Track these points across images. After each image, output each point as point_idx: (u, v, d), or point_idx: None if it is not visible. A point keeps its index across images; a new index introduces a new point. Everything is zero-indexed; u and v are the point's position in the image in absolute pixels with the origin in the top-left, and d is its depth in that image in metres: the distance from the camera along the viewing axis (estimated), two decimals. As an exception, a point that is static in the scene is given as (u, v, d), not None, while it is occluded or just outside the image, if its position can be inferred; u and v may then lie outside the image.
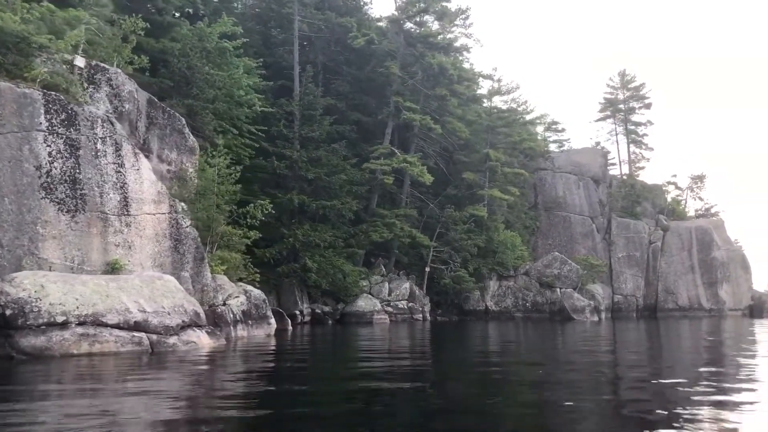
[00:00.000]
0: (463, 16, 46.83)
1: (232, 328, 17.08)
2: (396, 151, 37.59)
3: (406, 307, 37.32)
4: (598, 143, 64.46)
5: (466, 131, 40.54)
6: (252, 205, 23.29)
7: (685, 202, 59.77)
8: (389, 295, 37.27)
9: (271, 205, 24.33)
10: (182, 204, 19.69)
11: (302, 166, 33.47)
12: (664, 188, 58.63)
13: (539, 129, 69.44)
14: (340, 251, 34.33)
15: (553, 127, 71.41)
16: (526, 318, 40.85)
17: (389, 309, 36.49)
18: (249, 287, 19.49)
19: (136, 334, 12.45)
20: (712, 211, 62.70)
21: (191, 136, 20.98)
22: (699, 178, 59.40)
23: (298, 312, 32.47)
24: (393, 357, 13.26)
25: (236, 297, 18.11)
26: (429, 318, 38.54)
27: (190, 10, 36.72)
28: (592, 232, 51.37)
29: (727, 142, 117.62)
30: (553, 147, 63.41)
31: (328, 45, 42.02)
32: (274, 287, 33.15)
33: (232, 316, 17.32)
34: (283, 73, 39.39)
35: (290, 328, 23.85)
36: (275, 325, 19.77)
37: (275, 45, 41.19)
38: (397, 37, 39.69)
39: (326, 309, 34.40)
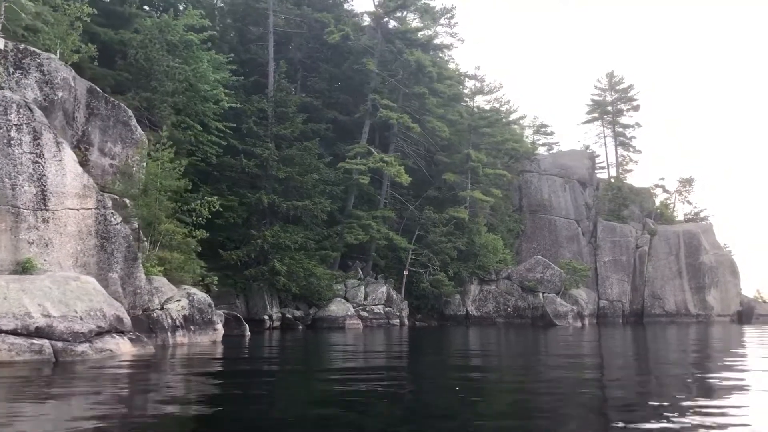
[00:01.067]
0: (448, 15, 45.90)
1: (169, 334, 15.76)
2: (373, 150, 36.36)
3: (382, 311, 36.04)
4: (587, 147, 63.44)
5: (447, 131, 39.35)
6: (198, 201, 21.99)
7: (674, 206, 58.68)
8: (365, 299, 36.00)
9: (219, 202, 22.96)
10: (126, 200, 18.42)
11: (273, 165, 32.22)
12: (652, 191, 57.52)
13: (528, 132, 68.61)
14: (312, 254, 33.06)
15: (542, 129, 70.58)
16: (508, 323, 39.60)
17: (364, 314, 35.22)
18: (194, 290, 18.16)
19: (36, 341, 11.14)
20: (702, 215, 61.68)
21: (139, 129, 19.68)
22: (687, 182, 58.33)
23: (266, 317, 31.20)
24: (347, 375, 11.63)
25: (177, 301, 16.79)
26: (407, 323, 37.28)
27: (162, 3, 35.60)
28: (578, 235, 50.20)
29: (717, 145, 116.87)
30: (542, 150, 62.42)
31: (306, 42, 40.84)
32: (242, 291, 31.91)
33: (170, 321, 16.01)
34: (258, 70, 38.22)
35: (248, 334, 22.52)
36: (222, 331, 18.45)
37: (251, 41, 40.04)
38: (375, 33, 38.54)
39: (298, 314, 33.08)
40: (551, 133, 69.80)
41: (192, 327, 16.91)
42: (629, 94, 60.65)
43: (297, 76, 40.23)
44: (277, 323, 31.85)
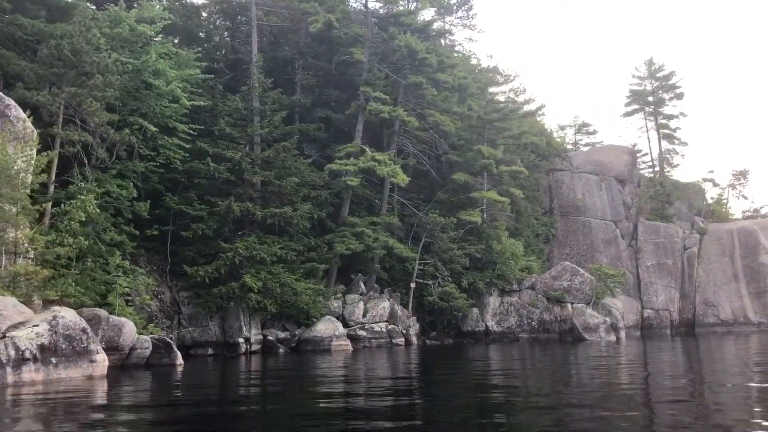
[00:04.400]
0: (466, 6, 42.21)
1: (9, 370, 12.22)
2: (366, 149, 32.49)
3: (384, 330, 31.95)
4: (634, 145, 57.87)
5: (452, 125, 35.17)
6: (72, 202, 18.50)
7: (727, 202, 52.64)
8: (364, 316, 31.99)
9: (96, 202, 19.38)
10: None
11: (247, 169, 28.72)
12: (700, 186, 51.66)
13: (569, 132, 63.67)
14: (295, 267, 29.31)
15: (584, 129, 65.57)
16: (533, 339, 34.94)
17: (362, 333, 31.23)
18: (63, 312, 14.60)
19: None
20: (762, 212, 55.49)
21: (23, 123, 16.41)
22: (742, 174, 52.40)
23: (241, 340, 27.55)
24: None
25: (31, 327, 13.26)
26: (415, 342, 33.05)
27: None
28: (616, 238, 45.02)
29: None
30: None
31: (296, 37, 37.45)
32: (217, 312, 28.38)
33: (14, 353, 12.46)
34: (244, 69, 35.04)
35: (180, 363, 18.90)
36: (104, 363, 14.83)
37: (241, 42, 37.04)
38: (366, 20, 34.78)
39: (282, 336, 29.31)
40: (594, 132, 64.76)
41: (54, 360, 13.34)
42: (671, 82, 55.18)
43: (286, 74, 36.85)
44: (257, 347, 28.19)
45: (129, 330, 18.56)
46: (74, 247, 17.30)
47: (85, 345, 14.32)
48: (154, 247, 28.81)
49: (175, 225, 28.14)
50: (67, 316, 14.38)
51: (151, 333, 25.12)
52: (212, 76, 30.81)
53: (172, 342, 19.74)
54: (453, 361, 23.23)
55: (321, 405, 10.89)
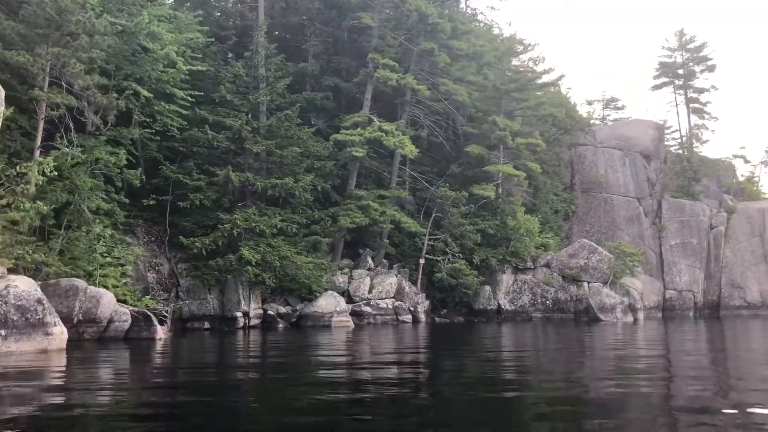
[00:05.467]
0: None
1: (-50, 343, 11.40)
2: (375, 119, 31.19)
3: (390, 306, 30.92)
4: (664, 121, 55.53)
5: (465, 94, 33.64)
6: (27, 165, 17.55)
7: (759, 180, 50.30)
8: (369, 292, 30.96)
9: (54, 164, 18.36)
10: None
11: (247, 137, 27.67)
12: (730, 163, 49.40)
13: (597, 107, 61.51)
14: (297, 240, 28.34)
15: (612, 104, 63.32)
16: (546, 319, 33.63)
17: (367, 309, 30.23)
18: (17, 282, 13.74)
19: None
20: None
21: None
22: (775, 151, 49.82)
23: (239, 314, 26.73)
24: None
25: (-22, 296, 12.41)
26: (423, 319, 31.96)
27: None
28: (639, 215, 43.25)
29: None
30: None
31: (307, 2, 36.11)
32: (216, 285, 27.55)
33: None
34: (251, 35, 33.85)
35: (160, 337, 18.07)
36: (63, 336, 13.97)
37: (244, 2, 35.86)
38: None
39: (283, 310, 28.42)
40: (622, 107, 62.46)
41: (3, 332, 12.49)
42: (702, 53, 52.58)
43: (297, 41, 35.62)
44: (256, 321, 27.37)
45: (107, 301, 17.77)
46: (32, 213, 16.40)
47: (41, 317, 13.49)
48: (152, 217, 28.05)
49: (174, 195, 27.33)
50: (21, 285, 13.55)
51: (146, 305, 24.48)
52: (212, 40, 29.67)
53: (151, 314, 18.88)
54: (458, 339, 22.16)
55: (298, 389, 9.84)
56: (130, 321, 18.10)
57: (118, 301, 23.21)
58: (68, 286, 17.43)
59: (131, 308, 18.76)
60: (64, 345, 13.85)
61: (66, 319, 17.37)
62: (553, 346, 18.21)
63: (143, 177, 28.23)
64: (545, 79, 36.65)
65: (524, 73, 36.05)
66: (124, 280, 24.86)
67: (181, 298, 27.17)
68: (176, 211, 27.55)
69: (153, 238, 28.11)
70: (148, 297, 25.40)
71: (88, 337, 17.49)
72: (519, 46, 37.24)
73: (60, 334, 13.90)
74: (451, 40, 33.39)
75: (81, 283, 17.55)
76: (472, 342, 20.69)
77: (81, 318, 17.29)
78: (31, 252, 16.23)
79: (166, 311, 25.85)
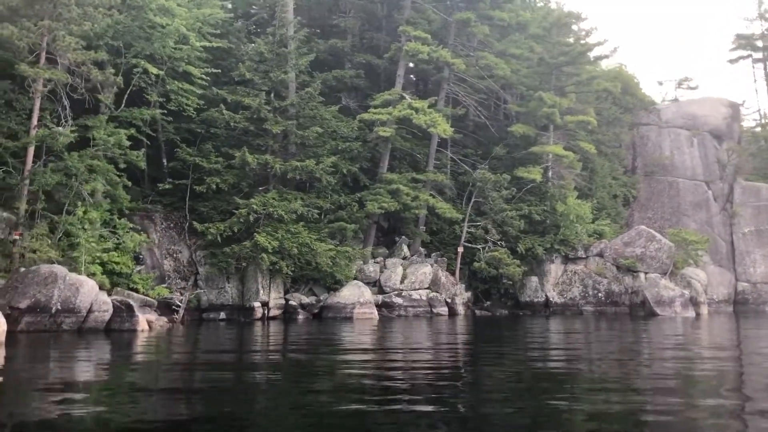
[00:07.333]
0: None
1: None
2: (406, 96, 29.05)
3: (423, 298, 28.84)
4: (744, 101, 51.02)
5: (506, 68, 31.00)
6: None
7: None
8: (401, 282, 28.96)
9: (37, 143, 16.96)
10: None
11: (267, 117, 26.07)
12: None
13: (669, 87, 57.49)
14: (321, 227, 26.61)
15: (684, 83, 58.90)
16: (598, 312, 30.77)
17: (398, 300, 28.25)
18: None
19: None
20: None
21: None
22: None
23: (257, 304, 25.22)
24: None
25: None
26: (461, 312, 29.72)
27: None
28: (707, 200, 39.45)
29: None
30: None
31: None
32: (236, 273, 26.16)
33: None
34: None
35: (143, 329, 16.64)
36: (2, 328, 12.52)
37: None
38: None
39: (306, 301, 26.80)
40: (695, 87, 57.92)
41: None
42: (784, 22, 47.70)
43: (332, 18, 33.83)
44: (276, 312, 25.84)
45: (88, 290, 16.46)
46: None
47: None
48: (172, 202, 26.94)
49: (192, 180, 26.08)
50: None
51: (159, 294, 23.34)
52: (231, 15, 28.18)
53: (133, 304, 17.45)
54: (495, 335, 19.94)
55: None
56: (111, 311, 16.75)
57: (129, 289, 22.23)
58: (47, 273, 16.24)
59: (114, 297, 17.42)
60: (2, 338, 12.52)
61: (44, 309, 16.26)
62: (605, 347, 15.70)
63: (164, 161, 27.31)
64: (598, 51, 33.50)
65: (575, 45, 32.99)
66: (138, 268, 23.85)
67: (199, 287, 25.96)
68: (196, 195, 26.32)
69: (172, 225, 26.98)
70: (163, 285, 24.32)
71: (66, 328, 16.24)
72: (571, 20, 34.06)
73: (-5, 323, 12.59)
74: (493, 11, 30.80)
75: (61, 269, 16.33)
76: (507, 339, 18.38)
77: (59, 307, 16.07)
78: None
79: (180, 300, 24.75)
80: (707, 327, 23.67)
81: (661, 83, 74.47)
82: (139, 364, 11.92)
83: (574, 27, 34.10)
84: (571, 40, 34.20)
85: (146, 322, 17.30)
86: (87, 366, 11.21)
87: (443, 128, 27.83)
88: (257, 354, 13.99)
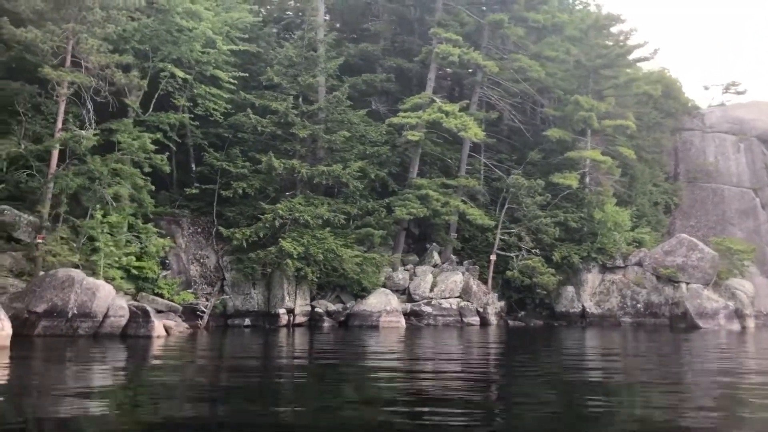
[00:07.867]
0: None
1: None
2: (435, 99, 28.41)
3: (454, 307, 28.06)
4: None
5: (541, 70, 30.12)
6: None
7: None
8: (431, 290, 28.25)
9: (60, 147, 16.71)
10: None
11: (295, 122, 25.73)
12: None
13: (716, 92, 55.67)
14: (348, 233, 26.10)
15: (733, 88, 56.97)
16: (637, 324, 29.57)
17: (427, 309, 27.54)
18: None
19: None
20: None
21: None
22: None
23: (282, 311, 24.81)
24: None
25: None
26: (493, 322, 28.84)
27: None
28: (755, 208, 37.83)
29: None
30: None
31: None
32: (262, 279, 25.82)
33: None
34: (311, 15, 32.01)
35: (158, 335, 16.27)
36: (4, 333, 12.24)
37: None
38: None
39: (332, 308, 26.30)
40: (743, 92, 55.92)
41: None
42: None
43: (364, 22, 33.46)
44: (302, 319, 25.40)
45: (104, 295, 16.23)
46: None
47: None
48: (200, 207, 26.79)
49: (220, 185, 25.88)
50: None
51: (184, 299, 23.15)
52: (260, 19, 28.00)
53: (150, 310, 17.15)
54: (528, 347, 19.13)
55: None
56: (127, 316, 16.49)
57: (155, 294, 22.07)
58: (65, 277, 16.07)
59: (131, 303, 17.18)
60: (7, 343, 12.26)
61: (61, 313, 16.07)
62: (644, 363, 14.72)
63: (192, 165, 27.19)
64: (638, 54, 32.33)
65: (613, 47, 31.93)
66: (164, 273, 23.70)
67: (225, 293, 25.69)
68: (224, 201, 26.12)
69: (199, 229, 26.79)
70: (189, 291, 24.12)
71: (82, 333, 16.04)
72: (609, 21, 32.93)
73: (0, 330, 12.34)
74: (528, 12, 29.99)
75: (78, 273, 16.16)
76: (541, 353, 17.52)
77: (75, 312, 15.87)
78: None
79: (205, 306, 24.51)
80: (754, 341, 22.40)
81: (707, 88, 72.54)
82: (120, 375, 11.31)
83: (613, 29, 32.92)
84: (610, 42, 33.11)
85: (164, 327, 16.99)
86: (68, 372, 10.82)
87: (474, 132, 27.12)
88: (281, 368, 13.46)
